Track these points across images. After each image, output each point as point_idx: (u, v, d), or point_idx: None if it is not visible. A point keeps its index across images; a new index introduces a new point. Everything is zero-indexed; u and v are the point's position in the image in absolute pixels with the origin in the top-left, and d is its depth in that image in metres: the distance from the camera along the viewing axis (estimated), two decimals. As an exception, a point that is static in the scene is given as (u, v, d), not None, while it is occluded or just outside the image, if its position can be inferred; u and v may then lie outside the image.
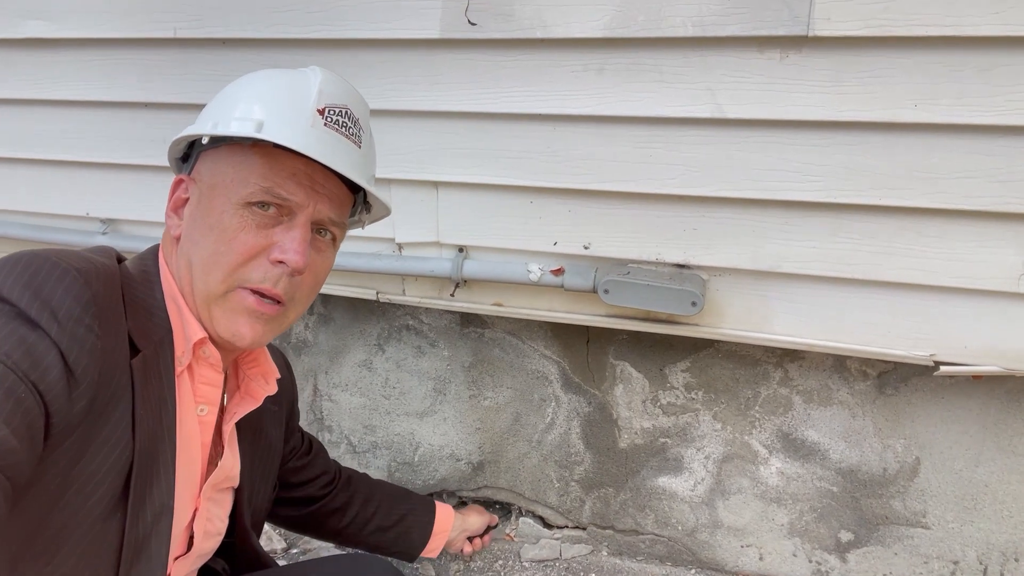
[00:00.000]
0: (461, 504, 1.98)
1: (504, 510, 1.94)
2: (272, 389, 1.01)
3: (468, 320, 1.76)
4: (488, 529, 1.70)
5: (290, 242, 0.85)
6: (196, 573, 1.06)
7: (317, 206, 0.88)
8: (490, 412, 1.82)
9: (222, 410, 0.98)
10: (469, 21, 1.39)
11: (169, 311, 0.88)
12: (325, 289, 1.72)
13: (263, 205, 0.85)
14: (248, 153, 0.86)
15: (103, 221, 1.82)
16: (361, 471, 1.82)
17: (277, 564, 1.18)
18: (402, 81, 1.48)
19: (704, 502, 1.72)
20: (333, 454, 1.96)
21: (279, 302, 0.88)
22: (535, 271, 1.50)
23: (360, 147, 0.92)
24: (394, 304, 1.77)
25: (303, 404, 1.96)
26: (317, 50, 1.50)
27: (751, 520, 1.69)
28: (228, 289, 0.85)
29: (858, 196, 1.30)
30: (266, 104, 0.86)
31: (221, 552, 1.11)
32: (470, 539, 1.64)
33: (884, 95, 1.24)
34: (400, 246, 1.62)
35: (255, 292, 0.86)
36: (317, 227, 0.90)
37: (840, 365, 1.54)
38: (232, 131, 0.84)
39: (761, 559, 1.70)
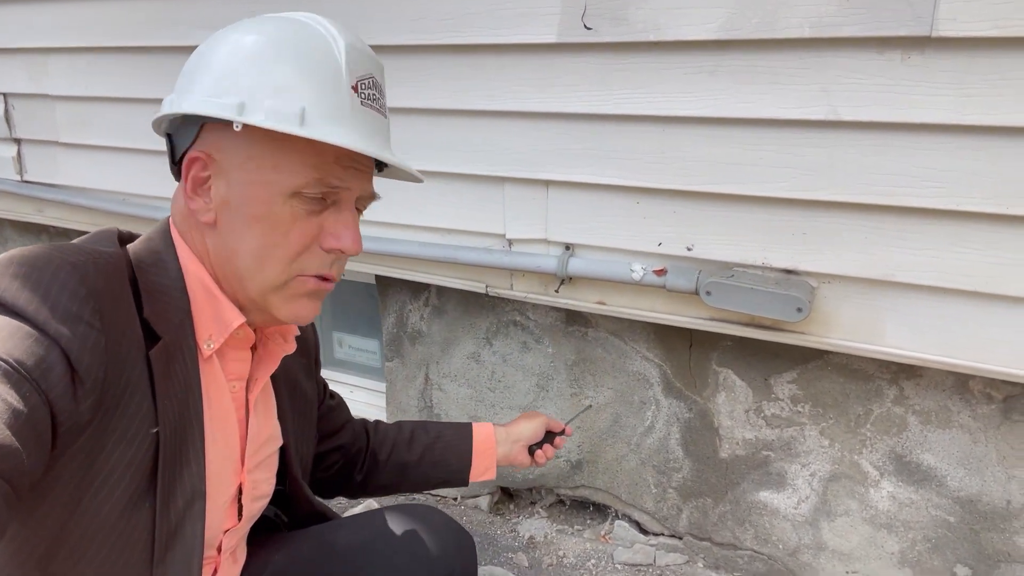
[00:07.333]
0: (559, 503, 2.01)
1: (600, 512, 1.95)
2: (290, 348, 0.97)
3: (573, 319, 1.80)
4: (552, 436, 1.38)
5: (343, 228, 0.84)
6: (248, 532, 1.07)
7: (362, 186, 0.86)
8: (590, 411, 1.84)
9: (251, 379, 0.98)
10: (585, 26, 1.44)
11: (193, 292, 0.85)
12: (440, 280, 1.82)
13: (313, 192, 0.82)
14: (290, 138, 0.78)
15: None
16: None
17: (336, 515, 1.18)
18: (518, 84, 1.55)
19: (808, 521, 1.66)
20: (439, 441, 2.05)
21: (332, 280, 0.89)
22: (638, 270, 1.52)
23: (386, 117, 0.89)
24: (503, 299, 1.84)
25: (415, 392, 2.07)
26: (441, 55, 1.61)
27: (858, 545, 1.62)
28: (288, 279, 0.84)
29: (982, 204, 1.24)
30: (297, 81, 0.78)
31: (273, 501, 1.11)
32: (533, 450, 1.35)
33: (1014, 98, 1.17)
34: (510, 242, 1.69)
35: (314, 276, 0.86)
36: (358, 204, 0.89)
37: (961, 385, 1.45)
38: (272, 124, 0.76)
39: (867, 587, 1.62)
